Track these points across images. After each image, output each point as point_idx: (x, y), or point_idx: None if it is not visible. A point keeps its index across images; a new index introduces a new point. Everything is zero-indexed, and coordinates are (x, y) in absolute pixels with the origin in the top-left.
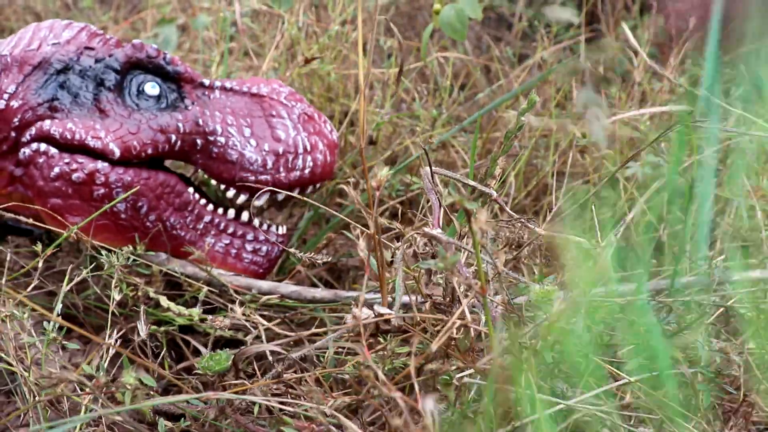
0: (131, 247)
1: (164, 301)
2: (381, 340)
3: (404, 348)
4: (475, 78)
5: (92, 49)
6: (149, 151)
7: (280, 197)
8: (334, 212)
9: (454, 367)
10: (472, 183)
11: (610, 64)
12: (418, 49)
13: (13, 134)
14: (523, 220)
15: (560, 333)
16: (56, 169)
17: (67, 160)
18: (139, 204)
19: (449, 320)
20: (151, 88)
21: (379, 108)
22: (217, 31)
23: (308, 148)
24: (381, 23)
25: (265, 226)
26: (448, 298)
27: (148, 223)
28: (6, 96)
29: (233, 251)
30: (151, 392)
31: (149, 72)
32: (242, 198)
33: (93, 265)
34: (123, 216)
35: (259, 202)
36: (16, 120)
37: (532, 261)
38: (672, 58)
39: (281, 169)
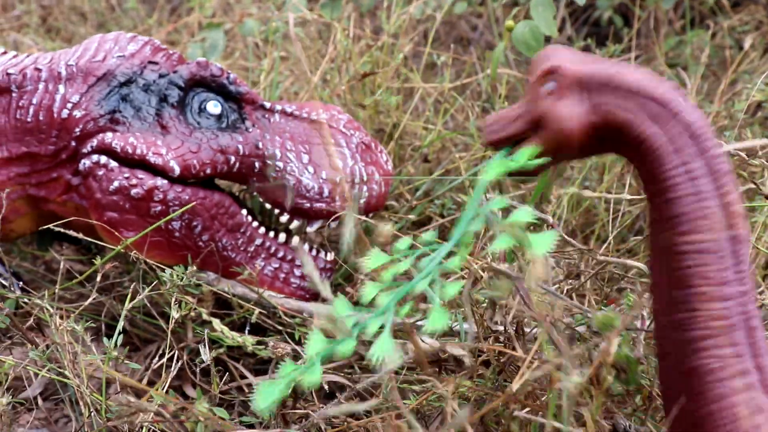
0: (185, 267)
1: (217, 325)
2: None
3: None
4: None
5: (156, 63)
6: (208, 171)
7: (334, 224)
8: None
9: (526, 410)
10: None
11: None
12: (464, 61)
13: (73, 143)
14: (584, 249)
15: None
16: (115, 183)
17: (126, 175)
18: (194, 223)
19: (528, 359)
20: (213, 106)
21: (431, 124)
22: (264, 39)
23: (365, 178)
24: (429, 35)
25: (314, 252)
26: (512, 331)
27: (200, 243)
28: (69, 105)
29: (282, 275)
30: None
31: (212, 90)
32: (296, 223)
33: (154, 284)
34: (177, 234)
35: (312, 229)
36: (77, 130)
37: (592, 287)
38: (723, 79)
39: (337, 198)
